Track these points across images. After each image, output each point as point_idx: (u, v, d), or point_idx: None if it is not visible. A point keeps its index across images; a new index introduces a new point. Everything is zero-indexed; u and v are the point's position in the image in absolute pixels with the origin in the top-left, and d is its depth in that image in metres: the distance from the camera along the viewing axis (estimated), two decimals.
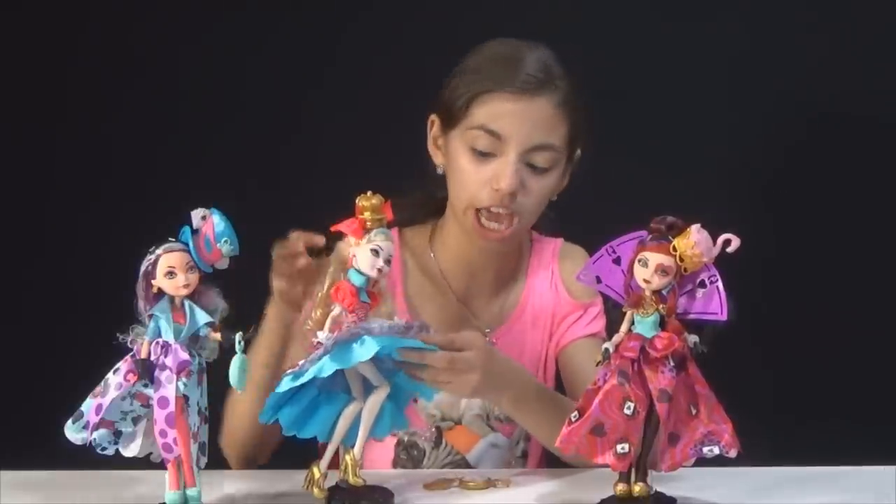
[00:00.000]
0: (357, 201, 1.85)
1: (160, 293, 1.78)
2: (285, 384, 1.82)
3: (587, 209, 2.37)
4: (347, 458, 1.89)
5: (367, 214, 1.84)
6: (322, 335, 1.83)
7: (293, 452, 2.26)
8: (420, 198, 2.35)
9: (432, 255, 2.33)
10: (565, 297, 2.31)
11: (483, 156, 2.18)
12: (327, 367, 1.81)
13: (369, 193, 1.85)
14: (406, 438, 2.26)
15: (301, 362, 1.83)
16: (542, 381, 2.28)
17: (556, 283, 2.32)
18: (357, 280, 1.84)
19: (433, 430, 2.28)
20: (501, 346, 2.26)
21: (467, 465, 2.27)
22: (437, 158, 2.27)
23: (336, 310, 1.84)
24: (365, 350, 1.81)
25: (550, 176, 2.21)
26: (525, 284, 2.33)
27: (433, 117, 2.27)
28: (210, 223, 1.77)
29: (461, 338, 1.98)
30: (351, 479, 1.89)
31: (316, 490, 1.88)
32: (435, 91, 2.29)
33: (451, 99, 2.22)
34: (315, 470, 1.88)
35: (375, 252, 1.83)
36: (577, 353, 2.27)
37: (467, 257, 2.29)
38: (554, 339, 2.30)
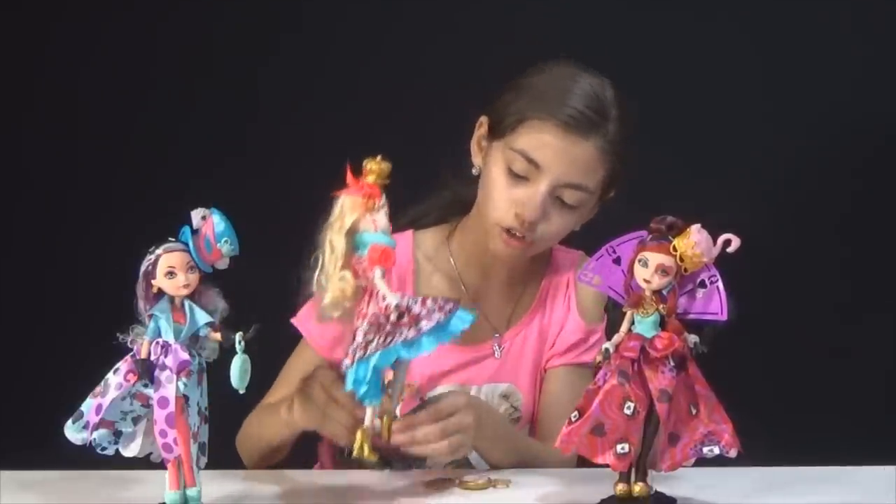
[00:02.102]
0: (367, 165, 1.84)
1: (160, 293, 1.78)
2: (383, 359, 1.81)
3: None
4: (386, 419, 1.90)
5: (372, 178, 1.84)
6: (394, 298, 1.81)
7: (293, 453, 2.26)
8: (447, 198, 2.37)
9: (450, 253, 2.33)
10: (574, 316, 2.31)
11: (517, 178, 2.18)
12: (427, 344, 1.82)
13: (379, 158, 1.84)
14: None
15: (367, 339, 1.82)
16: (533, 390, 2.31)
17: (569, 296, 2.32)
18: (390, 241, 1.84)
19: None
20: (508, 351, 2.30)
21: (469, 465, 2.27)
22: (477, 159, 2.27)
23: (378, 272, 1.83)
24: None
25: (576, 213, 2.22)
26: (538, 292, 2.33)
27: (483, 119, 2.27)
28: (210, 223, 1.77)
29: (447, 404, 2.04)
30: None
31: (367, 450, 1.86)
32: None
33: (502, 112, 2.22)
34: (360, 434, 1.87)
35: (387, 215, 1.85)
36: (561, 381, 2.29)
37: (484, 257, 2.29)
38: (552, 351, 2.31)
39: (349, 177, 1.84)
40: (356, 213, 1.84)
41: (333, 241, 1.84)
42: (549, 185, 2.16)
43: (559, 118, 2.15)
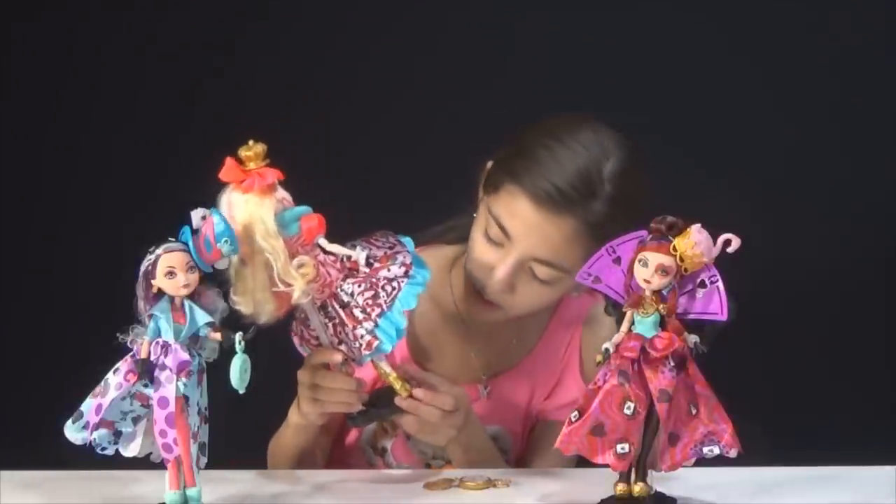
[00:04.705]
0: (242, 154, 1.83)
1: (160, 293, 1.78)
2: (399, 315, 1.90)
3: None
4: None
5: (254, 164, 1.83)
6: (360, 253, 1.89)
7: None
8: (458, 224, 2.26)
9: (450, 282, 2.24)
10: (574, 373, 2.24)
11: (492, 242, 2.08)
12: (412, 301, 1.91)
13: (250, 142, 1.84)
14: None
15: (366, 299, 1.89)
16: (522, 434, 2.26)
17: (572, 351, 2.25)
18: (307, 208, 1.87)
19: (423, 467, 2.22)
20: (495, 396, 2.24)
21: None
22: (478, 202, 2.16)
23: (323, 240, 1.87)
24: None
25: (551, 288, 2.10)
26: (539, 342, 2.26)
27: (488, 165, 2.15)
28: (210, 223, 1.77)
29: (452, 396, 2.03)
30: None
31: (407, 387, 2.00)
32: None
33: (495, 166, 2.12)
34: (394, 379, 1.98)
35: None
36: (552, 435, 2.12)
37: (478, 293, 2.16)
38: (545, 403, 2.25)
39: (236, 171, 1.82)
40: (267, 203, 1.83)
41: (270, 242, 1.81)
42: (517, 258, 2.06)
43: (531, 191, 2.03)
